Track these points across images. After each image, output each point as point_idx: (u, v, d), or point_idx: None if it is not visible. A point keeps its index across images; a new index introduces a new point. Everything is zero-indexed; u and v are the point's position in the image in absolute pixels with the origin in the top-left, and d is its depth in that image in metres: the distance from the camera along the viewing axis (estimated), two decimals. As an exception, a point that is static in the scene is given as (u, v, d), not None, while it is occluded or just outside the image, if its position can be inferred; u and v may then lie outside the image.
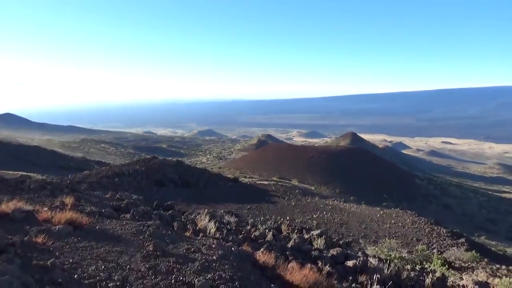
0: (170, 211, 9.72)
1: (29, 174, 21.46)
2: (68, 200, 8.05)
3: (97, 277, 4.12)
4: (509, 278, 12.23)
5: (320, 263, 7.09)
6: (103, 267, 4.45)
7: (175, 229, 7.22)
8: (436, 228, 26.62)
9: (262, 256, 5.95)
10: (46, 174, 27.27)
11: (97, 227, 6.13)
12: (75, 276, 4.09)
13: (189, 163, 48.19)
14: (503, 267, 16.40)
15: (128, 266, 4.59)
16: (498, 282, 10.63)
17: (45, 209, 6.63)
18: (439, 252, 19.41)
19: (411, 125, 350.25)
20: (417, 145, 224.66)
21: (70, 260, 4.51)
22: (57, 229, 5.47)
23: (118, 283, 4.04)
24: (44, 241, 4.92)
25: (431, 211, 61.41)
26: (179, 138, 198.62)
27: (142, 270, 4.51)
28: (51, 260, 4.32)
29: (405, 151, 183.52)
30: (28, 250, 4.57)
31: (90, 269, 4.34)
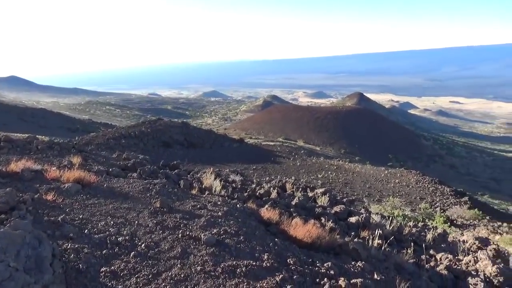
0: (176, 170, 9.87)
1: (36, 135, 21.64)
2: (76, 159, 8.18)
3: (107, 232, 4.26)
4: (510, 235, 12.51)
5: (323, 220, 7.25)
6: (112, 222, 4.60)
7: (181, 187, 7.36)
8: (440, 187, 26.90)
9: (267, 212, 6.09)
10: (53, 136, 27.55)
11: (105, 185, 6.26)
12: (86, 231, 4.23)
13: (195, 125, 48.27)
14: (505, 224, 16.71)
15: (136, 222, 4.73)
16: (498, 239, 10.88)
17: (53, 168, 6.76)
18: (442, 210, 19.76)
19: (419, 84, 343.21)
20: (424, 105, 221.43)
21: (80, 216, 4.65)
22: (66, 187, 5.60)
23: (127, 237, 4.18)
24: (54, 198, 5.05)
25: (436, 170, 61.77)
26: (184, 99, 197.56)
27: (150, 226, 4.65)
28: (61, 216, 4.46)
29: (412, 111, 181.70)
30: (39, 207, 4.71)
31: (99, 224, 4.49)
